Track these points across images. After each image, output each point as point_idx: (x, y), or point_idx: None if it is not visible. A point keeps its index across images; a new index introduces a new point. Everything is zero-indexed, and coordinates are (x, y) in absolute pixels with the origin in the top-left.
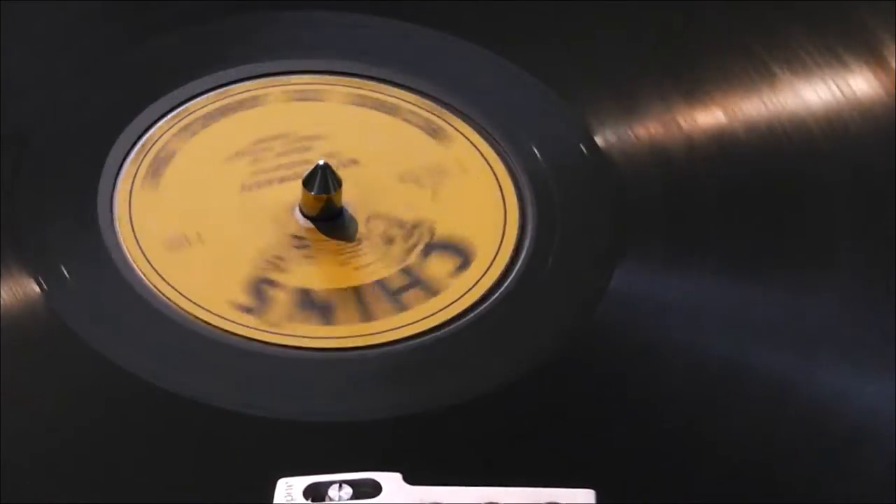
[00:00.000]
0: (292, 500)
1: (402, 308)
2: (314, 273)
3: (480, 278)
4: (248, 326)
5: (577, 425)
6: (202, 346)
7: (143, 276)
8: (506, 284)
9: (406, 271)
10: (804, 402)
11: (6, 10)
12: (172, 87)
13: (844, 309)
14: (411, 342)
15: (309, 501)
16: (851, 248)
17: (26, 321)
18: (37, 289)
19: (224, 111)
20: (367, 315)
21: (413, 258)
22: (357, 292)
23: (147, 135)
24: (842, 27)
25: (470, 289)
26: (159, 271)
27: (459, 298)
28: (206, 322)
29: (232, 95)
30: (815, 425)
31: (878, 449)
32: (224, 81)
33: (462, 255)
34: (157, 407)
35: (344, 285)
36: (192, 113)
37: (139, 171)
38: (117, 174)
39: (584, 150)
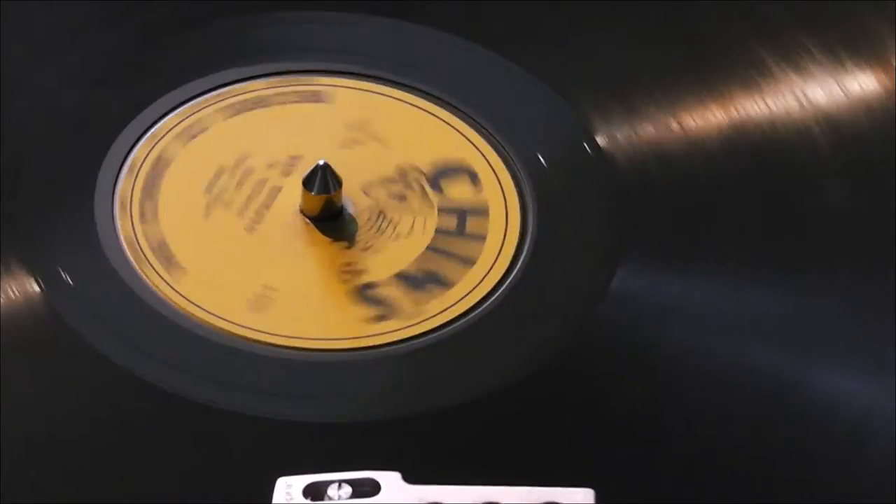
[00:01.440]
0: (292, 499)
1: (479, 238)
2: (390, 258)
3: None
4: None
5: (576, 425)
6: (205, 348)
7: (142, 275)
8: (506, 284)
9: (445, 210)
10: (804, 402)
11: (6, 10)
12: (175, 85)
13: (844, 309)
14: (407, 345)
15: (308, 500)
16: (851, 248)
17: (26, 321)
18: (37, 289)
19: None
20: (465, 261)
21: (434, 196)
22: (435, 250)
23: (149, 133)
24: (842, 27)
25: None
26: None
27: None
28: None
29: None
30: (815, 425)
31: (878, 449)
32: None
33: (462, 170)
34: (157, 407)
35: (420, 250)
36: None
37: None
38: (117, 174)
39: (585, 150)
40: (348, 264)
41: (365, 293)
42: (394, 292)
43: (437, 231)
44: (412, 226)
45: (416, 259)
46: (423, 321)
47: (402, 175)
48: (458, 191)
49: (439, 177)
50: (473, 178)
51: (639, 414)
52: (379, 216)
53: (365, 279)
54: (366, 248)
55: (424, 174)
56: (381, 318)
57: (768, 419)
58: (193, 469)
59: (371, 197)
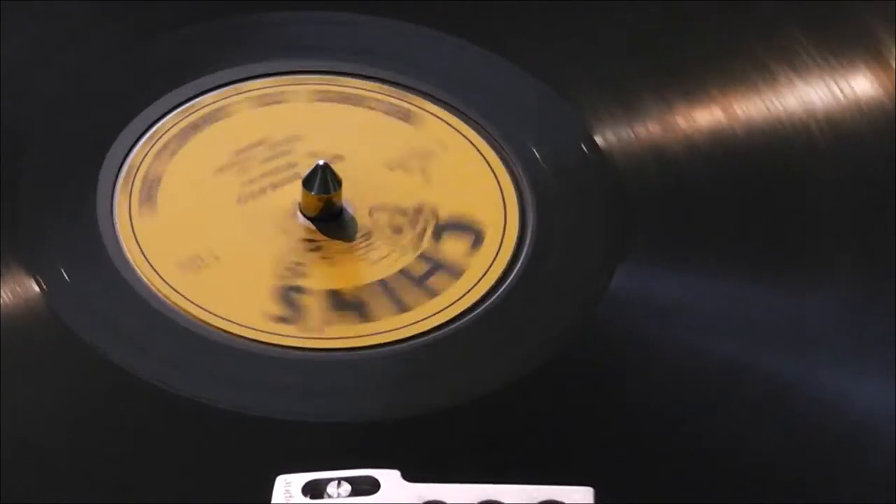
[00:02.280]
0: (291, 497)
1: (431, 293)
2: (336, 273)
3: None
4: (285, 335)
5: (576, 424)
6: (205, 348)
7: (142, 275)
8: (506, 284)
9: (424, 257)
10: (804, 402)
11: (6, 10)
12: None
13: (844, 309)
14: (411, 343)
15: (308, 498)
16: (851, 248)
17: (26, 321)
18: (37, 289)
19: (196, 126)
20: (401, 307)
21: (426, 243)
22: (385, 285)
23: (149, 132)
24: (842, 27)
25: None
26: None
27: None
28: (195, 316)
29: (196, 111)
30: (815, 425)
31: (878, 449)
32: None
33: (472, 231)
34: (157, 406)
35: (370, 279)
36: (165, 132)
37: (134, 184)
38: (117, 173)
39: (584, 150)
40: (298, 264)
41: (287, 294)
42: (313, 304)
43: (401, 271)
44: (384, 257)
45: (359, 286)
46: (322, 339)
47: (417, 213)
48: (453, 248)
49: (447, 228)
50: (477, 241)
51: (638, 413)
52: (364, 236)
53: (298, 282)
54: (327, 258)
55: (437, 220)
56: (281, 319)
57: (768, 419)
58: (193, 468)
59: (372, 218)
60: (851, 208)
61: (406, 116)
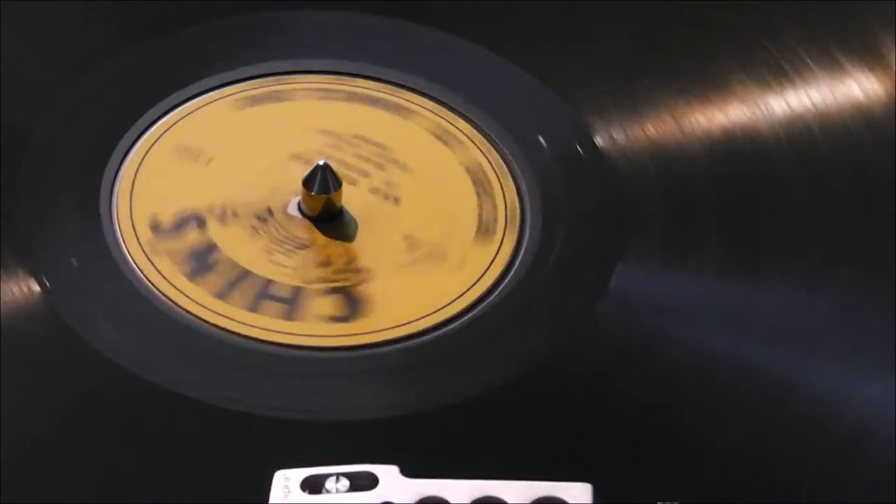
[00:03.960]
0: (290, 492)
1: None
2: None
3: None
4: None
5: (575, 423)
6: (205, 347)
7: (143, 275)
8: (505, 284)
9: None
10: (804, 402)
11: (6, 10)
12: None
13: (844, 308)
14: (411, 342)
15: (306, 493)
16: (851, 248)
17: (26, 321)
18: (37, 288)
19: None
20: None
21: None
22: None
23: (150, 131)
24: (842, 28)
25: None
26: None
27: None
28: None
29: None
30: (815, 425)
31: (878, 449)
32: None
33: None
34: (157, 406)
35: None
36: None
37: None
38: (117, 173)
39: (584, 150)
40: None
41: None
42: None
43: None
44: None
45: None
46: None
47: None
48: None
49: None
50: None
51: (637, 412)
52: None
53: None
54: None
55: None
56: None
57: (768, 418)
58: (193, 467)
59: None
60: (851, 208)
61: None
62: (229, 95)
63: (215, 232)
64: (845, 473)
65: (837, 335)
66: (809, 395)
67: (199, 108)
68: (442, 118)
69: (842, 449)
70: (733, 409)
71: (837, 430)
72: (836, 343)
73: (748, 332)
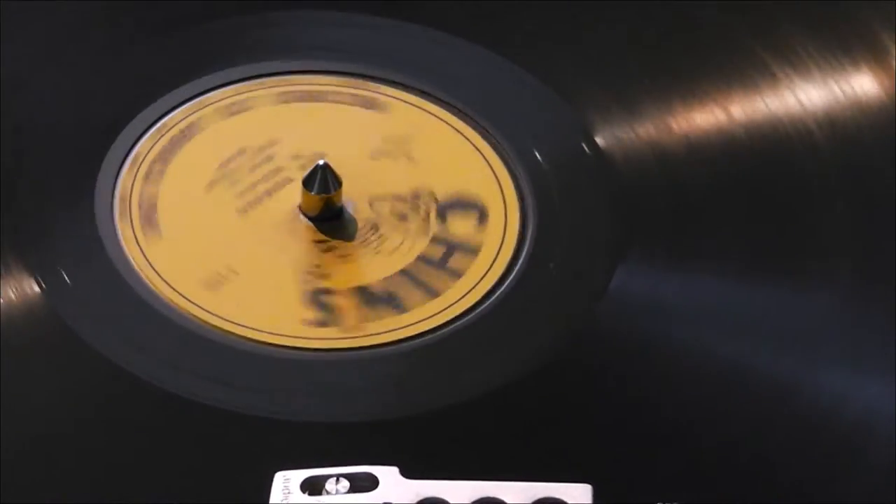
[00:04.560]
0: (290, 493)
1: (453, 275)
2: (358, 270)
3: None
4: (323, 338)
5: (575, 423)
6: (205, 347)
7: (142, 276)
8: (506, 284)
9: (437, 240)
10: (804, 402)
11: (6, 10)
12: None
13: (844, 309)
14: (410, 343)
15: (306, 495)
16: (851, 248)
17: (26, 321)
18: (37, 289)
19: (172, 148)
20: (429, 293)
21: (434, 226)
22: (409, 274)
23: (150, 131)
24: (842, 27)
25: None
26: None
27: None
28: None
29: (170, 129)
30: (815, 425)
31: (878, 449)
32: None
33: (476, 207)
34: (157, 406)
35: (393, 271)
36: (145, 154)
37: (137, 173)
38: (118, 173)
39: (584, 150)
40: (317, 266)
41: (317, 297)
42: (344, 303)
43: (419, 258)
44: (398, 246)
45: (383, 278)
46: (361, 337)
47: (415, 197)
48: (461, 226)
49: (449, 207)
50: (482, 217)
51: (637, 413)
52: (372, 228)
53: (324, 284)
54: (343, 256)
55: (437, 201)
56: (322, 323)
57: (768, 419)
58: (193, 467)
59: (374, 210)
60: (851, 208)
61: (371, 105)
62: (200, 109)
63: None
64: (845, 473)
65: (838, 336)
66: (809, 396)
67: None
68: (409, 102)
69: (842, 449)
70: (733, 410)
71: (837, 430)
72: (836, 343)
73: (748, 333)
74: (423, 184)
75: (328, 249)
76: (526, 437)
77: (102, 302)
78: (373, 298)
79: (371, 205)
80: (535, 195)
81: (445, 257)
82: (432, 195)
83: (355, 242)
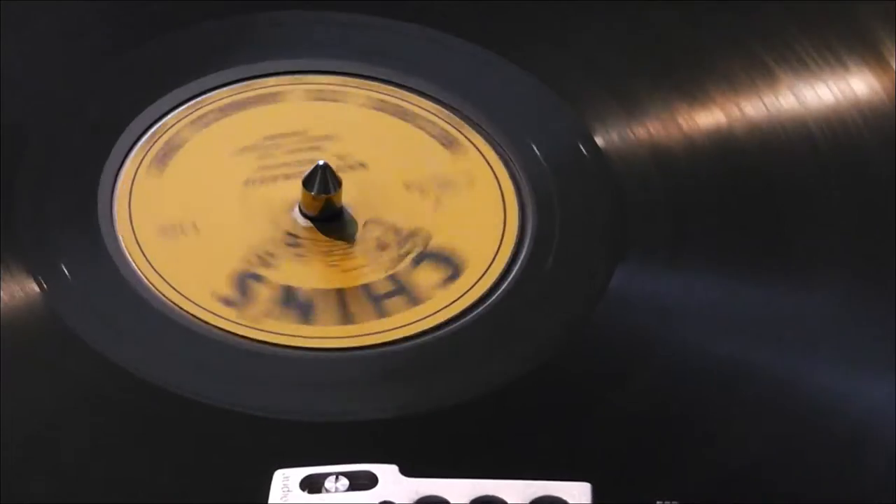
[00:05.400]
0: (289, 491)
1: (383, 314)
2: (301, 271)
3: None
4: (227, 319)
5: (575, 424)
6: (195, 344)
7: (143, 276)
8: (506, 284)
9: (393, 278)
10: (804, 402)
11: (6, 10)
12: (187, 80)
13: (844, 309)
14: (411, 342)
15: (305, 493)
16: (851, 248)
17: (26, 321)
18: (37, 289)
19: (241, 105)
20: (346, 318)
21: (402, 266)
22: (340, 294)
23: (159, 123)
24: (842, 27)
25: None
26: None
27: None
28: (189, 313)
29: (253, 90)
30: (815, 425)
31: (878, 449)
32: (245, 76)
33: (452, 266)
34: (157, 406)
35: (329, 286)
36: (209, 104)
37: (145, 158)
38: (118, 173)
39: (584, 151)
40: (269, 254)
41: (244, 279)
42: (262, 294)
43: (363, 286)
44: (356, 268)
45: (312, 288)
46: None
47: (410, 236)
48: (426, 277)
49: (427, 257)
50: (453, 276)
51: (637, 412)
52: (348, 244)
53: (259, 271)
54: (301, 256)
55: (423, 248)
56: (229, 303)
57: (768, 419)
58: (193, 467)
59: (364, 229)
60: (851, 208)
61: (449, 143)
62: (289, 85)
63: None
64: (845, 473)
65: (837, 335)
66: (809, 396)
67: (256, 88)
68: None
69: (842, 449)
70: (733, 410)
71: (837, 430)
72: (836, 343)
73: (748, 333)
74: (426, 227)
75: (293, 245)
76: (525, 436)
77: (102, 302)
78: (290, 300)
79: (365, 225)
80: (535, 195)
81: (386, 296)
82: (426, 240)
83: (323, 249)
